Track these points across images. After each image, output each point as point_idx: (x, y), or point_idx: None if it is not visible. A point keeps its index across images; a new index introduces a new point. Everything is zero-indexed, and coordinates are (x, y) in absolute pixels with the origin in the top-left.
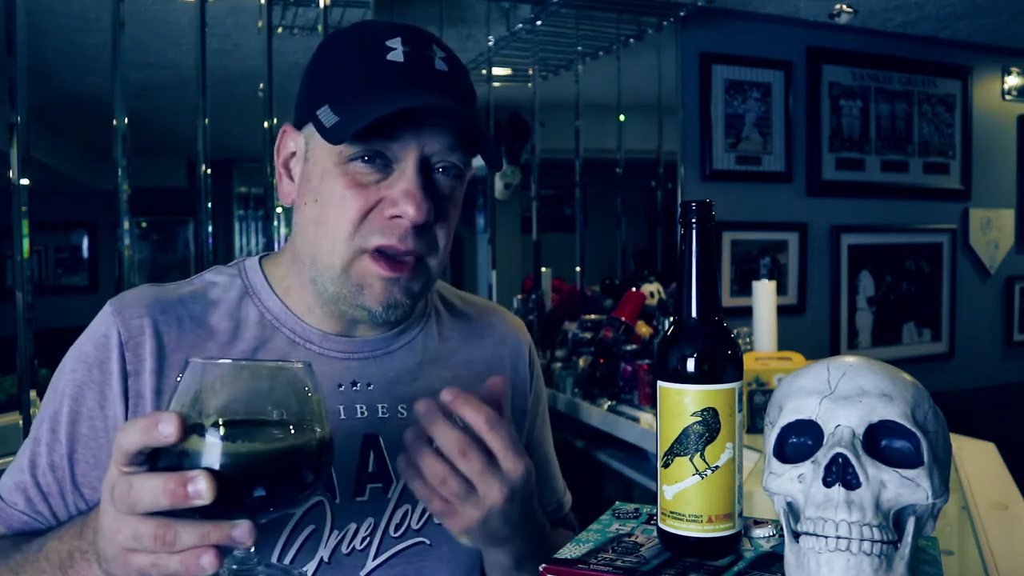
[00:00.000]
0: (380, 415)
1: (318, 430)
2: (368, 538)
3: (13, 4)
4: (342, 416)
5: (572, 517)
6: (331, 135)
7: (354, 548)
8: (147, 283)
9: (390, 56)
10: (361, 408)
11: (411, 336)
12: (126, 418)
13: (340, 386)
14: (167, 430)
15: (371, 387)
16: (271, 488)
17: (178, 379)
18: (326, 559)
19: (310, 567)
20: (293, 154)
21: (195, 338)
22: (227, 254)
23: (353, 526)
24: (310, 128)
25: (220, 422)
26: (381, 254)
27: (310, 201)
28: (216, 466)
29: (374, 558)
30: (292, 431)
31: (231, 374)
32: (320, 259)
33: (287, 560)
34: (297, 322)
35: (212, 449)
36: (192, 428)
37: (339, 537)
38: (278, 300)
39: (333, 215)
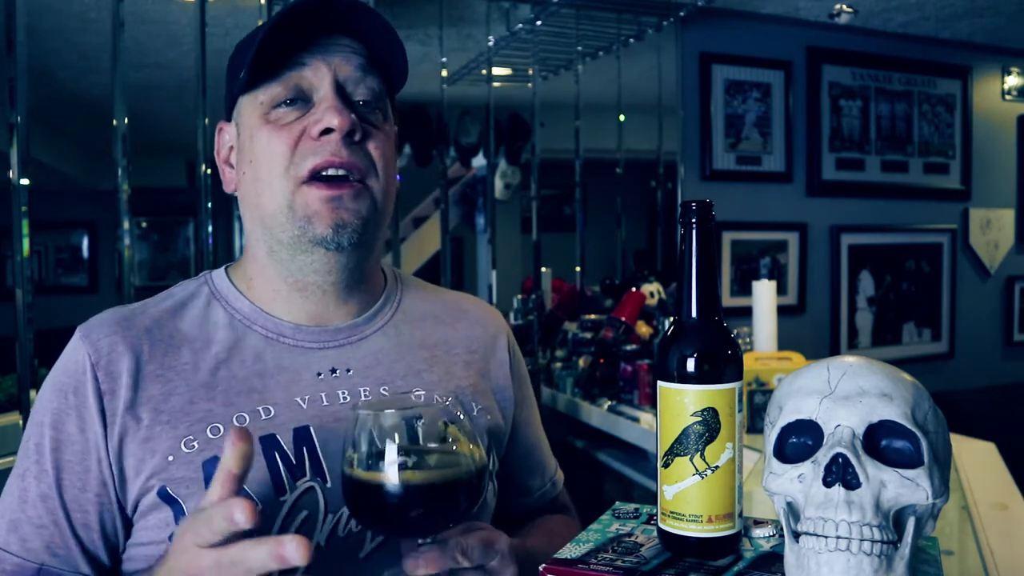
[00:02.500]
0: (363, 398)
1: (477, 452)
2: None
3: (13, 4)
4: (325, 402)
5: (566, 496)
6: (246, 74)
7: (350, 531)
8: (113, 306)
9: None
10: (343, 393)
11: (382, 321)
12: (105, 438)
13: (319, 374)
14: (241, 518)
15: (350, 372)
16: (448, 507)
17: (352, 429)
18: (322, 543)
19: None
20: (231, 148)
21: (167, 347)
22: (227, 254)
23: (347, 509)
24: (238, 108)
25: (399, 458)
26: (319, 179)
27: (246, 167)
28: (399, 495)
29: (372, 539)
30: (458, 457)
31: (395, 417)
32: (266, 211)
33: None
34: (268, 318)
35: (394, 481)
36: (372, 465)
37: (334, 521)
38: (246, 300)
39: (266, 161)
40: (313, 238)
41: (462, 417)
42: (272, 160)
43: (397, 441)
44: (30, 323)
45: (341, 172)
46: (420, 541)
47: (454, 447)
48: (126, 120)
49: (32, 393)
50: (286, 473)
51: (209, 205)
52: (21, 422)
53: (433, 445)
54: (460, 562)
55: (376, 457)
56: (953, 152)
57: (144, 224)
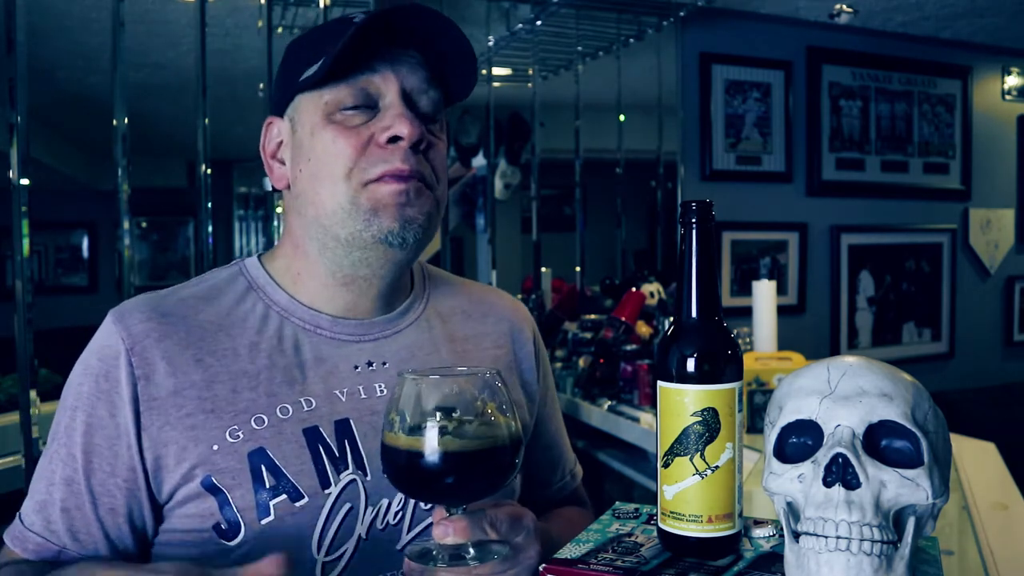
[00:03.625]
0: None
1: (515, 425)
2: (400, 512)
3: (13, 4)
4: (363, 396)
5: (583, 490)
6: (317, 74)
7: (388, 523)
8: (145, 292)
9: (356, 20)
10: (380, 387)
11: (415, 316)
12: (137, 424)
13: (356, 367)
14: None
15: (386, 366)
16: (483, 477)
17: (396, 393)
18: (364, 536)
19: (349, 546)
20: (280, 143)
21: (204, 332)
22: (227, 254)
23: (385, 502)
24: (294, 105)
25: (439, 425)
26: (386, 179)
27: (304, 164)
28: (437, 462)
29: (408, 532)
30: (497, 429)
31: (436, 384)
32: (324, 210)
33: (327, 540)
34: (305, 310)
35: (433, 448)
36: (413, 430)
37: (373, 514)
38: (283, 292)
39: (329, 161)
40: (378, 232)
41: (503, 390)
42: (335, 161)
43: (438, 408)
44: (30, 323)
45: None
46: (450, 510)
47: (493, 419)
48: (126, 120)
49: (32, 393)
50: (330, 466)
51: (209, 205)
52: (21, 422)
53: (473, 415)
54: (488, 533)
55: (417, 422)
56: (953, 152)
57: (144, 224)
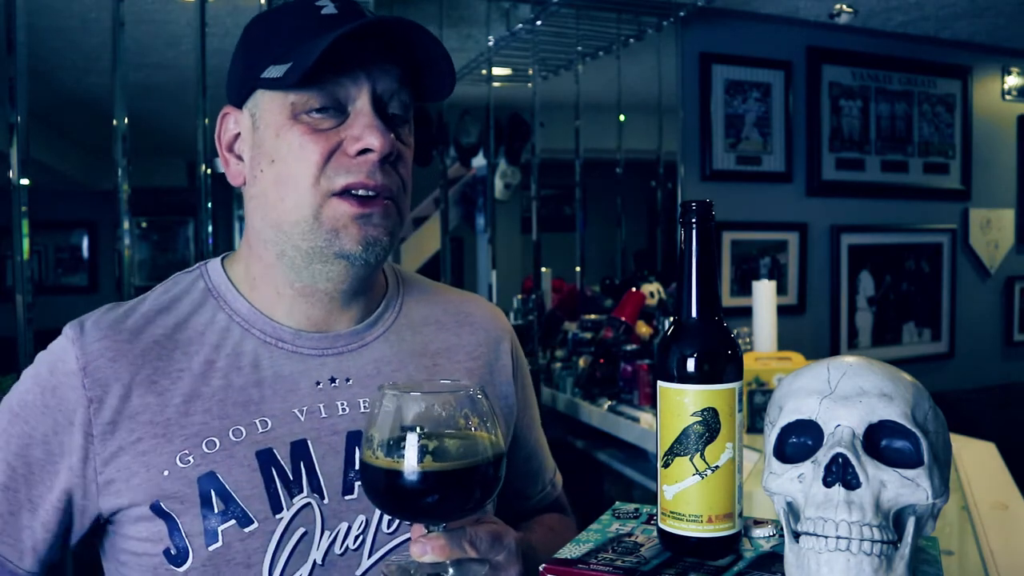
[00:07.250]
0: (362, 410)
1: (497, 442)
2: (361, 536)
3: (13, 4)
4: (323, 414)
5: (564, 497)
6: (286, 79)
7: (347, 548)
8: (106, 304)
9: (324, 11)
10: (342, 405)
11: (384, 328)
12: (85, 447)
13: (319, 384)
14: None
15: (350, 382)
16: (463, 496)
17: (375, 409)
18: (319, 561)
19: (303, 572)
20: (237, 135)
21: (160, 351)
22: None
23: (344, 525)
24: (254, 99)
25: (419, 443)
26: (350, 195)
27: (266, 165)
28: (416, 481)
29: (369, 556)
30: (478, 445)
31: (417, 399)
32: (287, 218)
33: (279, 566)
34: (267, 322)
35: (412, 467)
36: (392, 448)
37: (331, 538)
38: (244, 300)
39: (294, 166)
40: (340, 252)
41: (484, 405)
42: (303, 166)
43: (418, 424)
44: (30, 323)
45: (372, 193)
46: (429, 527)
47: (475, 435)
48: (126, 120)
49: None
50: (283, 490)
51: (209, 205)
52: None
53: (454, 431)
54: (467, 552)
55: (396, 440)
56: (953, 152)
57: (144, 224)
